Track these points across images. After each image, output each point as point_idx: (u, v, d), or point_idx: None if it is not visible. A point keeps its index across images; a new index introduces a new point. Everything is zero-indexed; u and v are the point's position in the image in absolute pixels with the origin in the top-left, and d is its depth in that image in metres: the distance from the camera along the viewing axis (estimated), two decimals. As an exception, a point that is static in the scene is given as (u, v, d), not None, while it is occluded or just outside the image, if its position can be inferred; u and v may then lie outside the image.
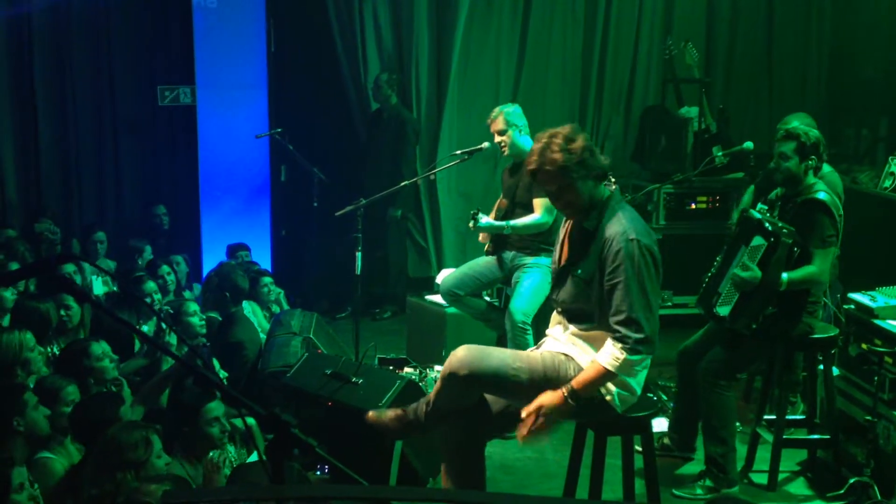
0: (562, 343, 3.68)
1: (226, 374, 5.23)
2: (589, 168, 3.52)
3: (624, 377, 3.52)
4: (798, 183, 4.51)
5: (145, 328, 5.82)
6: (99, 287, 6.76)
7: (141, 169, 8.02)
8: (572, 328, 3.66)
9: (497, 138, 5.42)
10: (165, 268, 6.49)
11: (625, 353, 3.44)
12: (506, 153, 5.50)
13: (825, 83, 8.17)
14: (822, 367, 4.73)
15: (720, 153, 6.43)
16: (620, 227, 3.50)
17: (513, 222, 5.32)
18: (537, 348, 3.83)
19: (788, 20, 8.13)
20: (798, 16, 8.13)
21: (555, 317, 3.83)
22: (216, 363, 5.10)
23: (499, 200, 5.61)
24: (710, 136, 7.11)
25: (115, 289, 6.81)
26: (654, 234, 3.65)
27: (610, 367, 3.46)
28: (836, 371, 4.83)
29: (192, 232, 7.78)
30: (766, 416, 4.82)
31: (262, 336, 5.75)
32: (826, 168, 4.78)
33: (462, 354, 3.58)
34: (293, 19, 7.76)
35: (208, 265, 7.34)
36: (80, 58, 7.67)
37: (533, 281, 5.25)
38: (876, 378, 4.38)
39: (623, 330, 3.45)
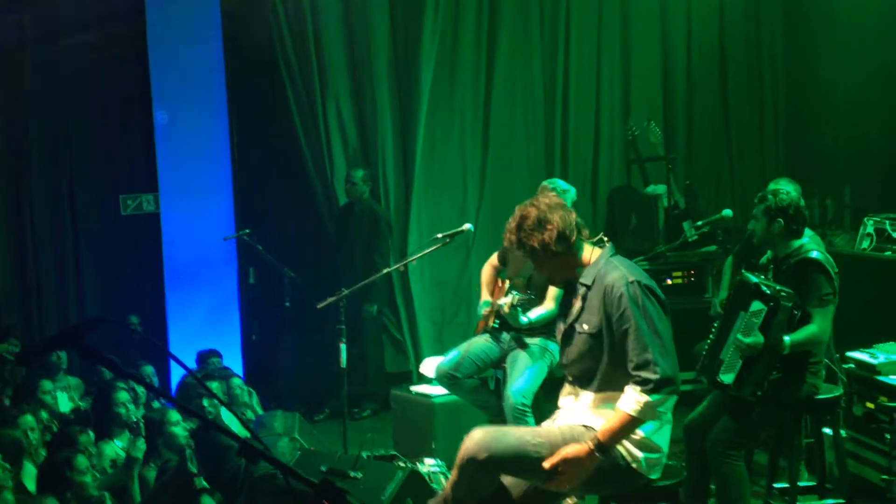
0: (577, 413, 3.54)
1: (206, 484, 4.97)
2: (576, 229, 3.52)
3: (649, 437, 3.41)
4: (774, 244, 4.49)
5: (118, 442, 5.58)
6: (65, 403, 6.47)
7: (104, 280, 7.80)
8: (585, 395, 3.54)
9: None
10: (135, 379, 6.24)
11: (646, 396, 3.32)
12: None
13: (784, 153, 8.31)
14: (826, 429, 4.63)
15: (692, 228, 6.43)
16: (618, 272, 3.44)
17: (532, 317, 5.18)
18: (552, 422, 3.67)
19: (742, 91, 8.30)
20: (752, 86, 8.30)
21: (565, 387, 3.70)
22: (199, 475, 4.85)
23: (502, 279, 5.44)
24: (679, 211, 7.17)
25: (80, 404, 6.54)
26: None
27: (633, 413, 3.33)
28: (842, 432, 4.73)
29: (159, 341, 7.51)
30: (776, 486, 4.68)
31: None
32: (808, 232, 4.76)
33: (479, 437, 3.42)
34: (256, 120, 7.72)
35: (177, 374, 7.10)
36: (38, 169, 7.51)
37: (531, 362, 5.10)
38: (888, 436, 4.29)
39: (642, 374, 3.34)
